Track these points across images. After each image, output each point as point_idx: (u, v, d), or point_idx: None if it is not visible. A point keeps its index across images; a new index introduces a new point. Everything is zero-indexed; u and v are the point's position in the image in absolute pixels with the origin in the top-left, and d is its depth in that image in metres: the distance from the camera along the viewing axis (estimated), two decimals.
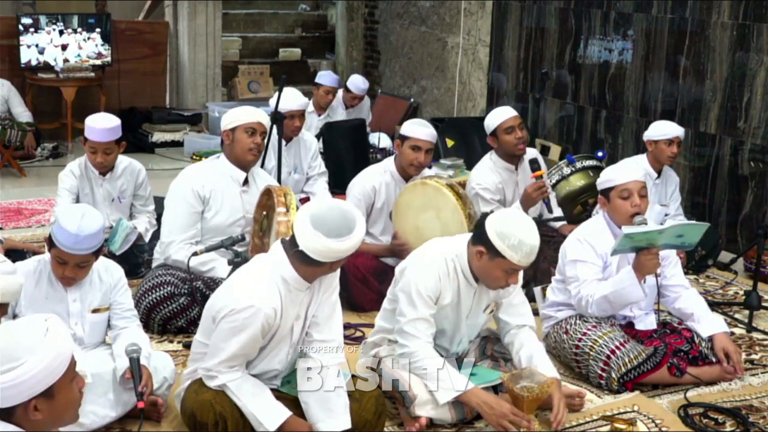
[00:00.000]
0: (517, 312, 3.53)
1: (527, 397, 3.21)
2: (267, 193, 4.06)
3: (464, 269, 3.36)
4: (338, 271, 3.13)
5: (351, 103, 7.65)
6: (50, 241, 3.18)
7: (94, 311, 3.32)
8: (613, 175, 3.87)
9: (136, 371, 3.14)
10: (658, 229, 3.69)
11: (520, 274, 3.39)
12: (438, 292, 3.35)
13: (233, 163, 4.29)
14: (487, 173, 5.01)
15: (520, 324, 3.52)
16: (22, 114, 7.48)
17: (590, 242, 3.85)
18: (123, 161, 5.00)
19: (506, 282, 3.28)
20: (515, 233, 3.16)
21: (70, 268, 3.18)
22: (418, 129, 4.61)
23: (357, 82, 7.73)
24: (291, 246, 2.94)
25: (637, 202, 3.79)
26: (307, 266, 2.95)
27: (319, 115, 6.98)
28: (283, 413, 2.99)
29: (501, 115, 4.97)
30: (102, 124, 4.75)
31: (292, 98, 5.44)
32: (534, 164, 4.90)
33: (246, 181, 4.33)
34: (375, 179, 4.70)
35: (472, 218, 4.21)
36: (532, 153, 5.10)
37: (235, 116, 4.27)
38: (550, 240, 5.04)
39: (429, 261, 3.37)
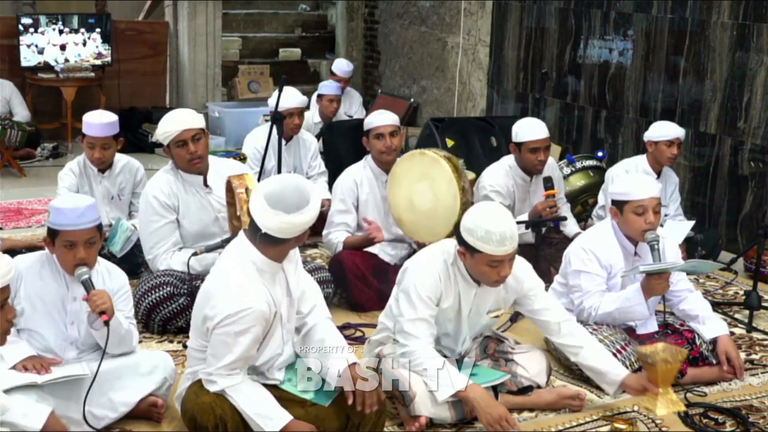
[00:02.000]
0: (545, 316, 3.53)
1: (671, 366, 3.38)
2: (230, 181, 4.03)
3: (463, 271, 3.38)
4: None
5: (342, 86, 7.64)
6: (52, 235, 3.14)
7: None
8: (629, 189, 3.79)
9: (89, 291, 3.12)
10: (673, 266, 3.72)
11: (519, 266, 3.43)
12: (439, 293, 3.36)
13: (185, 172, 4.23)
14: (501, 176, 4.98)
15: (556, 321, 3.52)
16: (23, 114, 7.48)
17: (595, 253, 3.83)
18: (121, 159, 5.00)
19: (498, 275, 3.27)
20: (481, 224, 3.19)
21: (82, 249, 3.13)
22: (375, 118, 4.72)
23: (341, 65, 7.95)
24: (254, 232, 2.97)
25: (651, 219, 3.75)
26: (275, 246, 2.98)
27: (327, 124, 6.95)
28: (285, 417, 2.98)
29: (531, 134, 4.85)
30: (99, 119, 4.78)
31: (290, 96, 5.46)
32: (548, 183, 4.85)
33: (206, 183, 4.27)
34: (356, 174, 4.78)
35: (466, 191, 4.23)
36: (548, 170, 5.00)
37: (162, 133, 4.13)
38: (551, 240, 5.05)
39: (430, 262, 3.39)
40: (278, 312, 3.07)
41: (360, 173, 4.78)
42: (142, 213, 4.28)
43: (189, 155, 4.12)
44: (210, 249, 4.00)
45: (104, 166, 4.90)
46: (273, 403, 3.02)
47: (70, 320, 3.26)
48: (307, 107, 6.08)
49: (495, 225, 3.19)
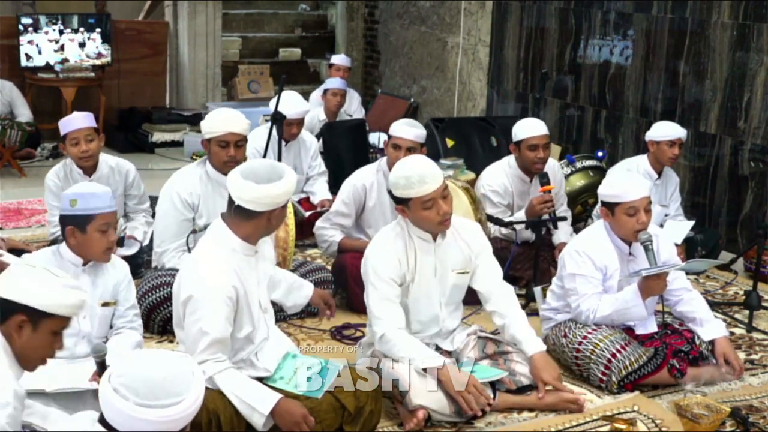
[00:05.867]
0: (488, 280, 3.62)
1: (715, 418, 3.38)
2: None
3: (416, 233, 3.47)
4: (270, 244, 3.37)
5: (340, 75, 7.64)
6: (83, 222, 3.18)
7: (104, 305, 3.33)
8: (620, 191, 3.77)
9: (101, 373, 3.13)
10: (673, 268, 3.75)
11: (468, 228, 3.60)
12: (398, 269, 3.44)
13: (216, 170, 4.25)
14: (500, 176, 5.00)
15: (490, 289, 3.61)
16: (25, 115, 7.47)
17: (589, 255, 3.81)
18: (109, 161, 4.92)
19: (438, 214, 3.36)
20: (401, 175, 3.34)
21: (113, 232, 3.26)
22: (401, 128, 4.63)
23: (339, 57, 8.09)
24: (229, 206, 3.08)
25: (644, 219, 3.74)
26: (248, 222, 3.06)
27: (330, 121, 6.98)
28: (274, 396, 3.03)
29: (530, 131, 4.89)
30: (74, 115, 4.87)
31: (292, 105, 5.41)
32: (544, 178, 4.82)
33: None
34: (367, 178, 4.70)
35: (483, 223, 4.23)
36: (551, 172, 4.96)
37: (209, 127, 4.20)
38: (551, 241, 5.04)
39: (384, 242, 3.49)
40: (247, 294, 3.12)
41: (371, 178, 4.69)
42: (161, 204, 4.32)
43: (227, 157, 4.16)
44: None
45: (92, 161, 4.80)
46: (262, 387, 3.08)
47: (82, 315, 3.26)
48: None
49: (410, 170, 3.33)
